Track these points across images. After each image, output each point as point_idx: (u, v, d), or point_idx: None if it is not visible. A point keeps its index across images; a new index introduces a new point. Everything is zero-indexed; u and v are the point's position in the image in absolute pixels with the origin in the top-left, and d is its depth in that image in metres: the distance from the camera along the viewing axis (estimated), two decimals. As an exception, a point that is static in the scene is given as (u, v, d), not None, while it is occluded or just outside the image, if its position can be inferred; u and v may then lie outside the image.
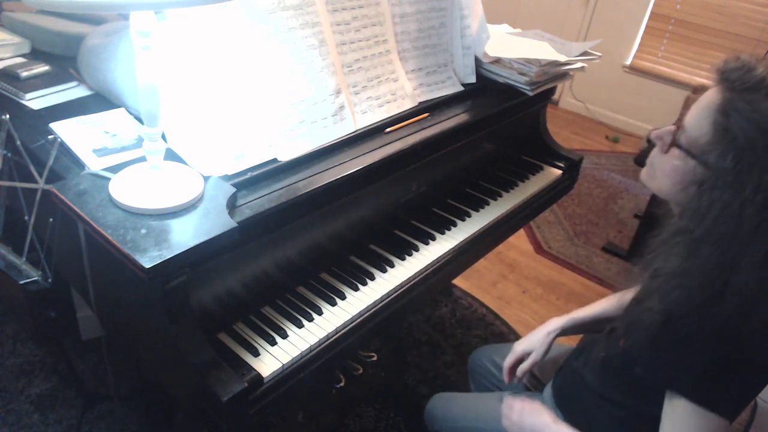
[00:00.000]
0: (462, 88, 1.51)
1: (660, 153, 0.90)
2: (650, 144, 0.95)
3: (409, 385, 1.97)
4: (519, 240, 2.86)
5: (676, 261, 0.83)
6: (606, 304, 1.26)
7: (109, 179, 0.97)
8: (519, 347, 1.27)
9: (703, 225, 0.80)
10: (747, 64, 0.80)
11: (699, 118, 0.83)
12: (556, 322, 1.25)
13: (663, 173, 0.90)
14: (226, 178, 1.04)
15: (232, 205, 0.99)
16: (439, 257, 1.36)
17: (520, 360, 1.26)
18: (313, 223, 1.19)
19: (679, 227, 0.84)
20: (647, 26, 3.94)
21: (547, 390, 1.24)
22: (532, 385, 1.37)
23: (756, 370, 0.86)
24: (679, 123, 0.88)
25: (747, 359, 0.84)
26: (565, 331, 1.25)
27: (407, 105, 1.37)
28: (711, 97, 0.83)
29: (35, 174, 1.05)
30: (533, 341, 1.25)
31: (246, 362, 1.03)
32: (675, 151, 0.87)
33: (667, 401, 0.89)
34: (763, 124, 0.76)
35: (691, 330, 0.83)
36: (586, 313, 1.26)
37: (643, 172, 0.96)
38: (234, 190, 0.99)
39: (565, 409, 1.17)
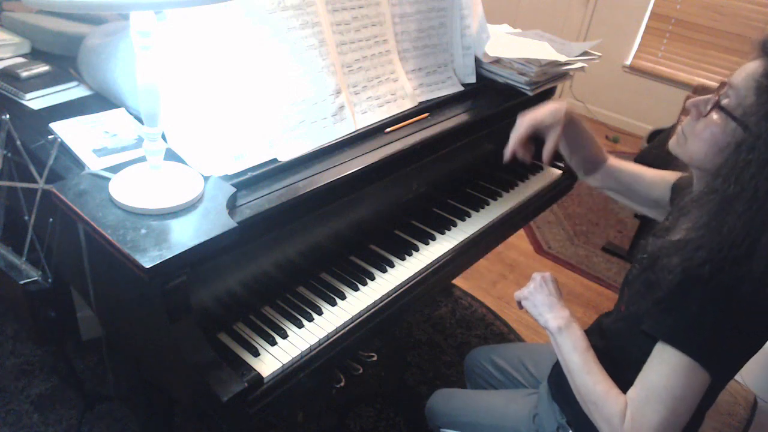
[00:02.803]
0: (462, 88, 1.51)
1: (694, 120, 0.93)
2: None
3: (409, 385, 1.97)
4: (519, 240, 2.86)
5: (705, 218, 0.86)
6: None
7: (109, 179, 0.97)
8: (526, 120, 1.19)
9: (738, 182, 0.83)
10: None
11: (744, 82, 0.87)
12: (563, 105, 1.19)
13: (698, 138, 0.92)
14: (226, 178, 1.04)
15: (232, 205, 0.99)
16: (439, 257, 1.36)
17: (528, 136, 1.20)
18: (313, 223, 1.19)
19: (713, 186, 0.87)
20: (647, 26, 3.94)
21: (543, 386, 1.25)
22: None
23: (757, 332, 0.89)
24: (719, 90, 0.90)
25: (753, 321, 0.87)
26: (569, 122, 1.20)
27: (407, 105, 1.37)
28: (755, 65, 0.87)
29: (35, 174, 1.05)
30: (543, 113, 1.17)
31: (246, 362, 1.03)
32: (713, 115, 0.89)
33: (657, 348, 0.92)
34: None
35: (707, 289, 0.85)
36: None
37: (672, 142, 0.98)
38: (234, 190, 0.99)
39: (561, 401, 1.17)
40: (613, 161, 1.32)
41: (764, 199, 0.81)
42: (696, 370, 0.87)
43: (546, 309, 1.05)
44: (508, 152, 1.23)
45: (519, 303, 1.11)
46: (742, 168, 0.83)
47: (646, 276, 0.97)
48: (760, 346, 0.95)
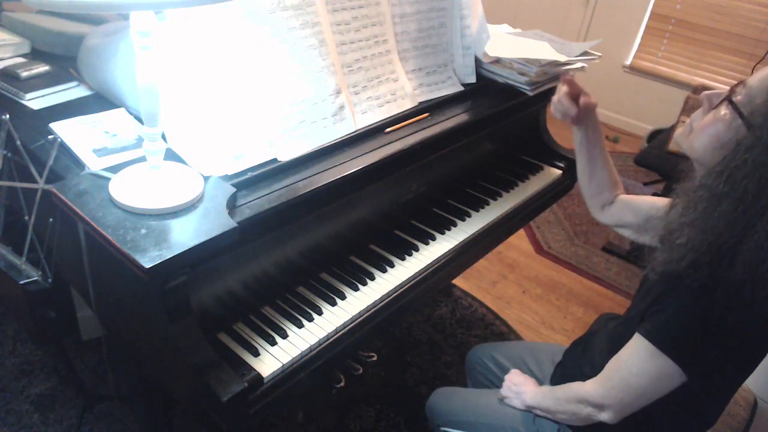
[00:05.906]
0: (462, 88, 1.51)
1: (703, 113, 0.95)
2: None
3: (409, 385, 1.97)
4: (519, 240, 2.86)
5: (692, 215, 0.87)
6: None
7: (109, 179, 0.97)
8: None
9: (729, 181, 0.83)
10: None
11: (758, 83, 0.88)
12: None
13: (703, 132, 0.93)
14: (226, 178, 1.04)
15: (232, 205, 0.99)
16: (439, 257, 1.36)
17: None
18: (313, 223, 1.19)
19: (704, 182, 0.88)
20: (647, 26, 3.94)
21: (545, 385, 1.25)
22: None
23: (736, 336, 0.90)
24: (735, 87, 0.92)
25: (733, 325, 0.88)
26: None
27: (407, 105, 1.37)
28: None
29: (35, 174, 1.05)
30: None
31: (246, 362, 1.03)
32: (722, 110, 0.90)
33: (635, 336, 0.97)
34: None
35: (686, 287, 0.87)
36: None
37: (678, 132, 1.00)
38: (234, 190, 0.99)
39: None
40: (626, 195, 1.31)
41: (751, 202, 0.82)
42: (665, 363, 0.92)
43: (518, 395, 1.22)
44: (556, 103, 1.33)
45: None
46: (737, 167, 0.83)
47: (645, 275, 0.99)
48: (749, 353, 0.96)
